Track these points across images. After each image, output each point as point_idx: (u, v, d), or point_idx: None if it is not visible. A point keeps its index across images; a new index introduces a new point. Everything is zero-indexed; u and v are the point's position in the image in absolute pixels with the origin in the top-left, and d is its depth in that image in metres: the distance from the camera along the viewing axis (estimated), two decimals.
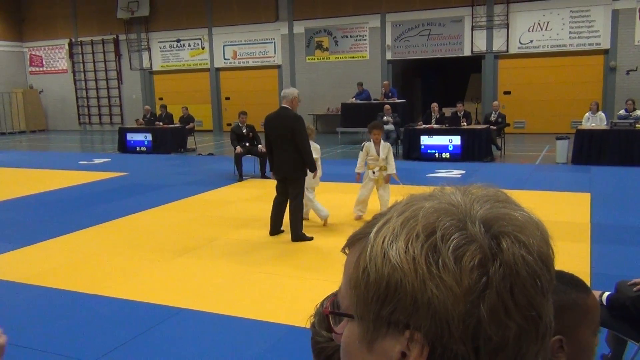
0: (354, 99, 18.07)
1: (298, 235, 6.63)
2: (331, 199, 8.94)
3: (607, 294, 3.00)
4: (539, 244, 0.58)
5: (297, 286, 5.23)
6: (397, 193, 0.71)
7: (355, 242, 0.63)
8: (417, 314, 0.55)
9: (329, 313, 0.67)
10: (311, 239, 6.65)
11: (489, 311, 0.54)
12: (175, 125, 16.51)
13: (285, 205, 6.77)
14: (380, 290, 0.56)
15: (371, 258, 0.58)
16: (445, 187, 0.65)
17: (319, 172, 7.03)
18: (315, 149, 7.48)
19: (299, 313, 4.52)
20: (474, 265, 0.54)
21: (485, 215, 0.58)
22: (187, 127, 16.47)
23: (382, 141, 7.52)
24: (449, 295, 0.54)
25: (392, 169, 7.48)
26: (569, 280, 1.43)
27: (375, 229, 0.60)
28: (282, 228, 6.90)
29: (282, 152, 6.53)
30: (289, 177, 6.61)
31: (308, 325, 1.16)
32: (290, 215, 6.66)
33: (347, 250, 0.65)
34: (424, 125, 13.80)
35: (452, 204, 0.59)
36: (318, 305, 1.18)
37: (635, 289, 3.07)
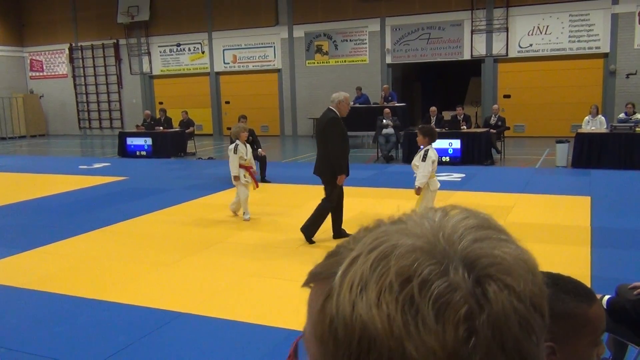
0: (352, 102, 18.09)
1: (306, 235, 6.70)
2: None
3: (607, 297, 2.99)
4: (530, 287, 0.50)
5: (297, 290, 5.21)
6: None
7: (318, 280, 0.55)
8: None
9: None
10: (312, 243, 6.67)
11: None
12: (175, 129, 16.52)
13: (338, 207, 6.81)
14: (352, 348, 0.48)
15: (338, 310, 0.49)
16: (417, 213, 0.56)
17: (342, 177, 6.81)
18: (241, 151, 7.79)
19: (299, 317, 4.51)
20: (459, 320, 0.46)
21: (467, 254, 0.49)
22: (187, 131, 16.48)
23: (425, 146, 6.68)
24: (431, 358, 0.46)
25: (417, 178, 6.53)
26: (572, 289, 1.39)
27: (341, 271, 0.51)
28: (344, 230, 6.82)
29: (318, 151, 6.86)
30: (321, 176, 6.78)
31: None
32: (313, 212, 6.75)
33: (310, 286, 0.57)
34: None
35: (428, 239, 0.51)
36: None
37: (635, 292, 3.07)
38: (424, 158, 6.36)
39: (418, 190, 6.47)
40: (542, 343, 0.52)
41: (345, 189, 9.94)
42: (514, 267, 0.50)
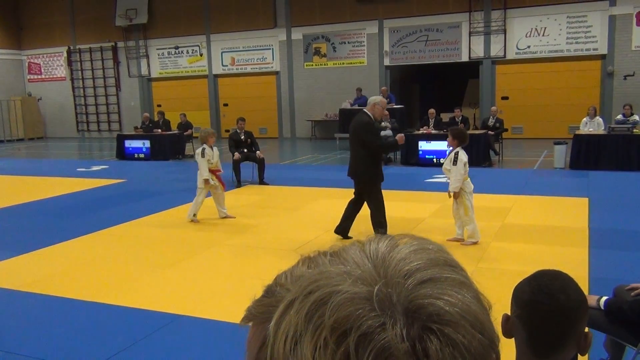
0: (349, 103, 18.08)
1: (378, 223, 6.64)
2: (329, 205, 8.94)
3: (604, 298, 3.00)
4: (477, 343, 0.46)
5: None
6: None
7: (255, 323, 0.53)
8: None
9: None
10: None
11: None
12: (174, 132, 16.52)
13: (356, 206, 6.82)
14: None
15: None
16: (361, 245, 0.52)
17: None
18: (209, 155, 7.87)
19: None
20: None
21: (409, 303, 0.46)
22: (185, 133, 16.48)
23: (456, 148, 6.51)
24: None
25: (451, 183, 6.40)
26: (543, 285, 1.61)
27: (275, 318, 0.49)
28: (349, 235, 6.77)
29: (351, 152, 6.85)
30: (354, 178, 6.79)
31: None
32: (371, 217, 6.76)
33: (248, 324, 0.55)
34: (422, 131, 13.82)
35: (368, 285, 0.47)
36: None
37: (633, 293, 3.07)
38: (455, 161, 6.24)
39: (455, 195, 6.34)
40: None
41: (344, 191, 9.96)
42: (459, 320, 0.46)
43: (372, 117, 6.57)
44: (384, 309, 0.45)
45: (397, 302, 0.46)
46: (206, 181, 7.94)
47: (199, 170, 8.04)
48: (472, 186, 6.53)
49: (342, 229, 6.84)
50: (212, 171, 8.05)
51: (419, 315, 0.45)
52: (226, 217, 8.22)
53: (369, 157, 6.60)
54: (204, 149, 8.00)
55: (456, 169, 6.20)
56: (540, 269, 1.68)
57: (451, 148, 6.42)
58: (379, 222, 6.65)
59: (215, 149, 8.20)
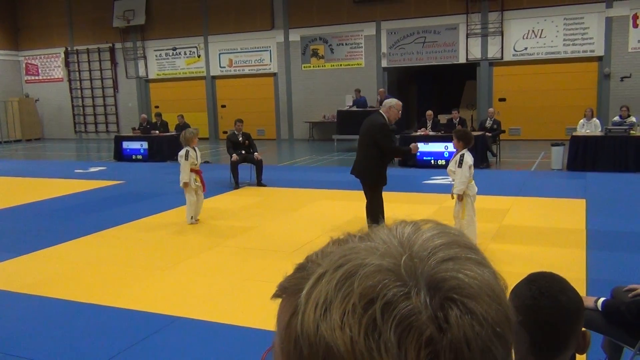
0: (350, 105, 18.10)
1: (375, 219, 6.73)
2: (327, 207, 8.95)
3: (602, 299, 3.01)
4: (493, 314, 0.49)
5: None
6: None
7: (287, 294, 0.56)
8: None
9: None
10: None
11: None
12: (172, 133, 16.50)
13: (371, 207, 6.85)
14: None
15: (303, 329, 0.50)
16: (387, 229, 0.56)
17: None
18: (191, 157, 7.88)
19: None
20: (421, 345, 0.46)
21: (432, 277, 0.49)
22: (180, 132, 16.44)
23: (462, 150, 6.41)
24: None
25: (455, 185, 6.32)
26: (540, 288, 1.60)
27: (306, 289, 0.52)
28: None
29: (359, 152, 6.84)
30: (360, 178, 6.80)
31: None
32: (369, 212, 6.85)
33: (279, 297, 0.58)
34: (419, 132, 13.84)
35: (394, 259, 0.51)
36: None
37: (630, 295, 3.09)
38: (460, 163, 6.14)
39: (459, 197, 6.24)
40: None
41: (341, 192, 9.99)
42: (479, 292, 0.50)
43: (387, 119, 6.60)
44: (408, 280, 0.49)
45: (420, 274, 0.49)
46: (186, 184, 7.94)
47: (181, 172, 8.02)
48: (476, 189, 6.43)
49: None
50: (195, 171, 8.05)
51: (441, 287, 0.49)
52: (192, 222, 8.08)
53: (378, 159, 6.61)
54: (187, 152, 8.00)
55: (461, 171, 6.11)
56: (533, 272, 1.68)
57: (457, 150, 6.29)
58: (376, 219, 6.65)
59: (197, 150, 8.22)
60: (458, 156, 6.20)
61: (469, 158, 6.16)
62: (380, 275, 0.49)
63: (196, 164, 8.10)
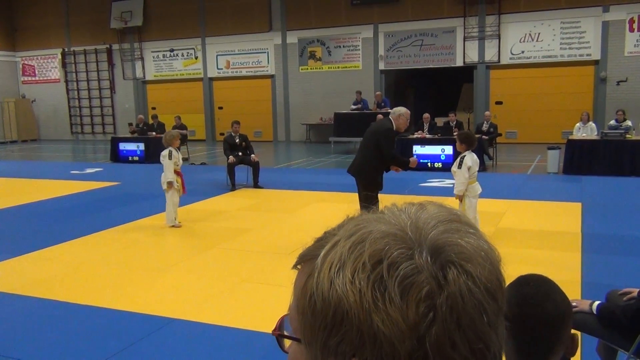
0: (355, 107, 18.02)
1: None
2: (324, 208, 8.95)
3: (597, 303, 3.01)
4: (487, 275, 0.56)
5: (287, 296, 5.21)
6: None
7: (305, 261, 0.62)
8: (363, 347, 0.54)
9: (277, 335, 0.66)
10: None
11: (435, 346, 0.53)
12: (182, 132, 16.46)
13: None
14: (327, 320, 0.55)
15: (318, 285, 0.57)
16: (397, 206, 0.63)
17: None
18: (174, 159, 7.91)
19: None
20: (421, 298, 0.53)
21: (434, 243, 0.56)
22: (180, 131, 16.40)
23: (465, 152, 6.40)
24: (395, 330, 0.52)
25: (455, 185, 6.41)
26: (527, 294, 1.57)
27: (323, 253, 0.59)
28: None
29: (360, 153, 6.88)
30: (355, 176, 6.81)
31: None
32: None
33: (298, 267, 0.64)
34: (416, 135, 13.86)
35: (401, 227, 0.58)
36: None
37: (625, 298, 3.10)
38: (460, 165, 6.26)
39: (459, 198, 6.30)
40: (497, 325, 0.57)
41: (338, 194, 9.99)
42: (474, 256, 0.56)
43: (395, 126, 6.63)
44: (412, 244, 0.56)
45: (423, 240, 0.56)
46: (170, 184, 7.93)
47: (164, 173, 8.01)
48: (480, 190, 6.42)
49: None
50: (177, 173, 8.05)
51: (442, 251, 0.56)
52: (172, 224, 8.00)
53: (377, 162, 6.62)
54: (170, 152, 8.00)
55: (460, 172, 6.22)
56: (521, 275, 1.63)
57: (460, 152, 6.33)
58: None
59: (179, 151, 8.23)
60: (460, 157, 6.26)
61: (469, 160, 6.19)
62: (387, 239, 0.56)
63: (178, 165, 8.09)
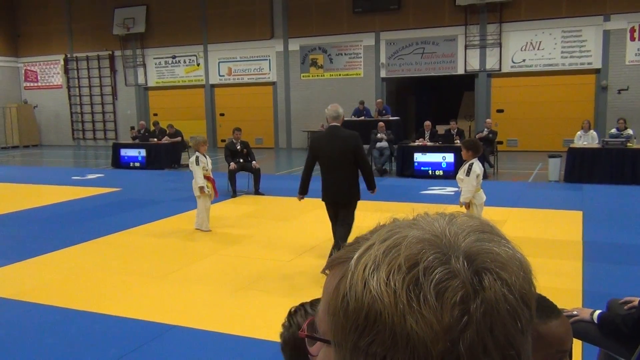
0: (357, 116, 17.99)
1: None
2: (324, 216, 8.93)
3: (598, 312, 3.01)
4: (521, 282, 0.57)
5: (290, 304, 5.21)
6: (380, 215, 0.70)
7: (336, 265, 0.62)
8: (395, 348, 0.54)
9: (306, 336, 0.66)
10: None
11: (468, 350, 0.53)
12: (171, 140, 16.48)
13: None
14: (359, 320, 0.55)
15: (351, 286, 0.57)
16: (429, 214, 0.64)
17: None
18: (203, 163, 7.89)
19: None
20: (456, 302, 0.53)
21: (469, 249, 0.57)
22: (173, 139, 16.39)
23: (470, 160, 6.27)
24: (428, 332, 0.53)
25: (462, 193, 6.28)
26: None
27: (356, 255, 0.59)
28: None
29: (335, 174, 6.08)
30: (341, 201, 6.18)
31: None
32: (340, 241, 5.94)
33: (327, 272, 0.64)
34: (417, 142, 13.87)
35: (435, 234, 0.58)
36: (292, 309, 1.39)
37: (626, 307, 3.08)
38: (468, 172, 6.10)
39: (466, 206, 6.19)
40: (528, 333, 0.58)
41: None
42: (509, 264, 0.57)
43: None
44: (447, 251, 0.56)
45: (458, 247, 0.57)
46: (201, 189, 7.94)
47: (195, 179, 8.04)
48: (485, 198, 6.37)
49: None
50: (207, 178, 8.06)
51: (477, 258, 0.56)
52: (200, 228, 8.06)
53: (356, 177, 6.14)
54: (197, 157, 8.01)
55: (469, 180, 6.09)
56: None
57: (466, 160, 6.21)
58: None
59: (207, 156, 8.21)
60: (467, 165, 6.15)
61: (477, 167, 6.13)
62: (422, 244, 0.57)
63: (207, 170, 8.09)
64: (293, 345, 1.32)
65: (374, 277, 0.56)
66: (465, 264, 0.55)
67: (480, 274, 0.55)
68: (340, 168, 6.06)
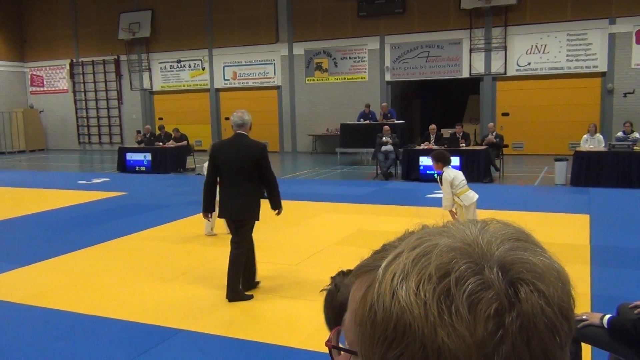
0: (363, 119, 17.93)
1: (236, 294, 5.39)
2: (330, 220, 8.93)
3: (608, 316, 2.99)
4: (560, 294, 0.55)
5: (296, 308, 5.20)
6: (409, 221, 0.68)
7: (363, 273, 0.60)
8: None
9: (332, 347, 0.64)
10: (251, 297, 5.43)
11: None
12: (181, 144, 16.51)
13: (250, 252, 5.69)
14: (387, 331, 0.53)
15: (379, 296, 0.55)
16: (459, 222, 0.61)
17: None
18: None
19: (298, 334, 4.49)
20: (490, 314, 0.51)
21: (503, 259, 0.54)
22: (179, 144, 16.43)
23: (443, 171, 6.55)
24: (460, 345, 0.50)
25: (442, 203, 6.52)
26: None
27: (384, 264, 0.57)
28: (257, 280, 5.80)
29: (234, 187, 5.43)
30: (234, 218, 5.54)
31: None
32: (229, 265, 5.45)
33: (353, 279, 0.62)
34: (422, 146, 13.85)
35: (467, 242, 0.56)
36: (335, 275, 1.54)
37: (636, 311, 3.06)
38: (441, 182, 6.45)
39: (451, 213, 6.42)
40: (567, 348, 0.55)
41: (344, 205, 9.97)
42: (546, 275, 0.55)
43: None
44: (480, 260, 0.54)
45: (491, 256, 0.54)
46: None
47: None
48: (475, 197, 6.53)
49: (248, 282, 5.62)
50: None
51: (511, 268, 0.54)
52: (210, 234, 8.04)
53: (256, 192, 5.55)
54: None
55: (443, 189, 6.42)
56: None
57: (438, 171, 6.58)
58: (235, 289, 5.37)
59: None
60: (439, 177, 6.51)
61: (447, 175, 6.42)
62: (453, 253, 0.54)
63: None
64: (330, 300, 1.48)
65: (402, 286, 0.54)
66: (500, 274, 0.53)
67: (516, 285, 0.53)
68: (240, 180, 5.40)
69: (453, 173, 6.50)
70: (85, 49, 25.29)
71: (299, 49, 21.34)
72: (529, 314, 0.52)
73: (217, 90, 23.20)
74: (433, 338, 0.51)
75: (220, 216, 5.74)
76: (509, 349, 0.51)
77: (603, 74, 17.60)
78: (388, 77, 20.18)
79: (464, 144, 13.46)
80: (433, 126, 14.44)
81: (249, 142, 5.49)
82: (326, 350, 0.67)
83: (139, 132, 18.07)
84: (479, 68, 18.90)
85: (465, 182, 6.56)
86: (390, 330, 0.53)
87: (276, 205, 5.69)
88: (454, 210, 6.45)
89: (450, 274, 0.53)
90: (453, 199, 6.41)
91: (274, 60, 21.91)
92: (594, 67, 17.66)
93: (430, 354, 0.51)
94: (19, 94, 26.60)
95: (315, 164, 17.56)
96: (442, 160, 6.52)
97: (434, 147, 13.61)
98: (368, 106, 18.25)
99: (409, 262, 0.55)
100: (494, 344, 0.51)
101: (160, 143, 16.41)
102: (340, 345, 0.63)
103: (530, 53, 18.32)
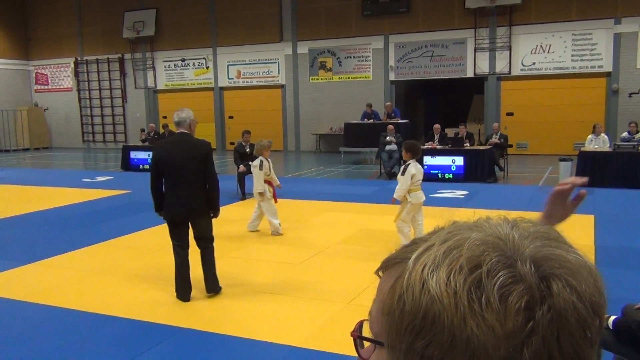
0: (367, 119, 17.89)
1: (217, 288, 5.50)
2: (334, 218, 8.93)
3: (613, 317, 2.97)
4: (591, 291, 0.55)
5: (299, 307, 5.19)
6: (439, 218, 0.67)
7: (391, 265, 0.60)
8: (453, 351, 0.52)
9: (357, 337, 0.64)
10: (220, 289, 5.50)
11: (532, 358, 0.51)
12: None
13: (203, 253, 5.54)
14: (416, 321, 0.53)
15: (409, 286, 0.55)
16: (491, 218, 0.61)
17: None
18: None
19: (301, 334, 4.48)
20: (520, 307, 0.51)
21: (535, 254, 0.55)
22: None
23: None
24: (490, 336, 0.51)
25: (395, 191, 6.85)
26: None
27: (415, 255, 0.57)
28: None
29: (186, 187, 5.26)
30: (192, 215, 5.37)
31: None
32: (209, 265, 5.47)
33: (380, 273, 0.62)
34: (427, 146, 13.83)
35: (499, 237, 0.56)
36: None
37: None
38: (404, 172, 6.67)
39: (393, 201, 6.79)
40: (597, 345, 0.56)
41: (348, 204, 9.96)
42: (578, 271, 0.55)
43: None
44: (512, 254, 0.54)
45: (523, 251, 0.55)
46: (261, 194, 7.90)
47: (254, 184, 7.99)
48: (423, 199, 6.85)
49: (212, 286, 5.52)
50: (267, 182, 8.02)
51: (544, 263, 0.54)
52: (277, 233, 7.95)
53: (205, 187, 5.37)
54: (262, 162, 7.96)
55: (403, 179, 6.65)
56: None
57: (406, 160, 6.83)
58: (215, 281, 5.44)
59: (270, 161, 8.13)
60: (404, 165, 6.76)
61: (412, 168, 6.69)
62: (485, 246, 0.55)
63: (269, 175, 8.05)
64: None
65: (433, 277, 0.54)
66: (532, 268, 0.53)
67: (548, 279, 0.53)
68: (188, 180, 5.25)
69: (416, 168, 6.73)
70: (89, 47, 25.34)
71: (303, 48, 21.33)
72: (560, 309, 0.52)
73: (221, 89, 23.22)
74: (462, 328, 0.51)
75: (170, 220, 5.41)
76: (538, 342, 0.51)
77: (608, 74, 17.54)
78: (392, 77, 20.15)
79: (468, 144, 13.43)
80: (437, 126, 14.41)
81: (193, 141, 5.37)
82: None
83: (143, 130, 18.13)
84: (484, 68, 18.86)
85: (421, 181, 6.84)
86: (419, 320, 0.53)
87: (213, 206, 5.44)
88: (407, 198, 6.67)
89: (481, 266, 0.53)
90: (406, 192, 6.66)
91: (278, 59, 21.91)
92: (599, 67, 17.60)
93: (459, 343, 0.51)
94: (23, 92, 26.68)
95: (319, 163, 17.55)
96: (412, 151, 6.76)
97: (438, 146, 13.60)
98: (370, 105, 18.21)
99: (440, 254, 0.55)
100: (524, 337, 0.51)
101: None
102: (366, 336, 0.62)
103: (535, 53, 18.27)
